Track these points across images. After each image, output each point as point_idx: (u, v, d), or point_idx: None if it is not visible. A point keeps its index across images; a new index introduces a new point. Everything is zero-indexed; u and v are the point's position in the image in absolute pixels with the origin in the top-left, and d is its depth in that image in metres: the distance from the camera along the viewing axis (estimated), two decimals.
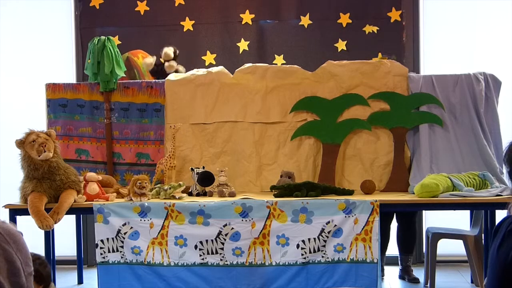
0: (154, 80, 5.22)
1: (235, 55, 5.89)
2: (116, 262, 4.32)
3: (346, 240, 4.22)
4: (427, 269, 4.89)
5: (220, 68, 5.26)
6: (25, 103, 6.00)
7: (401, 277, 5.21)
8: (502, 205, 3.66)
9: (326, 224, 4.22)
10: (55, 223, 4.15)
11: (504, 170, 4.22)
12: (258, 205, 4.27)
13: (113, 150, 5.16)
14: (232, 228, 4.25)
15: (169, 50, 5.33)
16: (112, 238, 4.31)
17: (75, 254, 5.30)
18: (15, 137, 4.34)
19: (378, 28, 5.81)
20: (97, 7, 5.97)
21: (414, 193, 4.44)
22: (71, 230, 5.34)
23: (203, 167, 4.80)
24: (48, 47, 6.11)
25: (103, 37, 5.04)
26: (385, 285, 5.01)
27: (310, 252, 4.24)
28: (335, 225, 4.22)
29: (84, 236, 5.65)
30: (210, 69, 5.23)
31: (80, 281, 5.28)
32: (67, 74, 5.95)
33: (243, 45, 5.91)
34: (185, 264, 4.29)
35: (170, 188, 4.50)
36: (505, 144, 2.15)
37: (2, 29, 6.11)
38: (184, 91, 5.13)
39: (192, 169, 4.78)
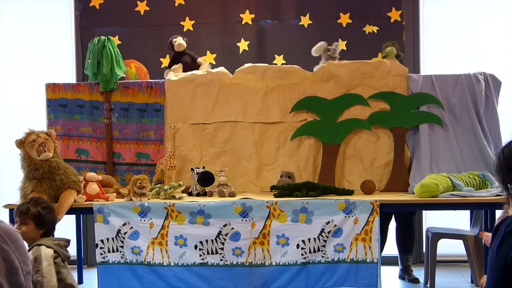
0: (154, 80, 5.22)
1: (235, 55, 5.88)
2: (116, 262, 4.32)
3: (346, 240, 4.22)
4: (427, 269, 4.89)
5: (220, 68, 5.26)
6: (25, 103, 6.00)
7: (401, 277, 5.21)
8: (502, 205, 3.67)
9: (326, 224, 4.22)
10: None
11: (495, 179, 4.23)
12: (258, 205, 4.27)
13: (113, 150, 5.16)
14: (232, 228, 4.25)
15: (180, 40, 5.30)
16: (112, 238, 4.31)
17: (75, 254, 5.29)
18: (15, 137, 4.34)
19: (378, 28, 5.81)
20: (97, 7, 5.97)
21: (414, 193, 4.44)
22: (71, 230, 5.33)
23: (203, 167, 4.80)
24: (48, 47, 6.11)
25: (103, 37, 5.04)
26: (385, 285, 5.01)
27: (310, 252, 4.24)
28: (335, 225, 4.22)
29: (84, 236, 5.65)
30: (210, 69, 5.23)
31: (80, 281, 5.28)
32: (67, 74, 5.96)
33: (243, 45, 5.91)
34: (185, 264, 4.29)
35: (170, 188, 4.50)
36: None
37: (2, 29, 6.11)
38: (184, 91, 5.13)
39: (192, 169, 4.78)
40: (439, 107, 4.99)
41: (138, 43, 5.93)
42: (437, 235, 4.85)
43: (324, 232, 4.22)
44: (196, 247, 4.27)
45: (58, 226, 4.27)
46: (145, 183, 4.38)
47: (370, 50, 5.68)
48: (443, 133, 4.99)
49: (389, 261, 5.35)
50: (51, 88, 5.18)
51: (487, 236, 3.81)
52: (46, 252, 3.13)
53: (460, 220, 5.25)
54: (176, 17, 5.95)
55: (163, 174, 4.90)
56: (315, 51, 5.15)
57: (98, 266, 4.35)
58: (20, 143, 4.30)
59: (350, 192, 4.54)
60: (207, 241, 4.27)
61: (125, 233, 4.30)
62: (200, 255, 4.27)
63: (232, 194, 4.59)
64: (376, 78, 5.04)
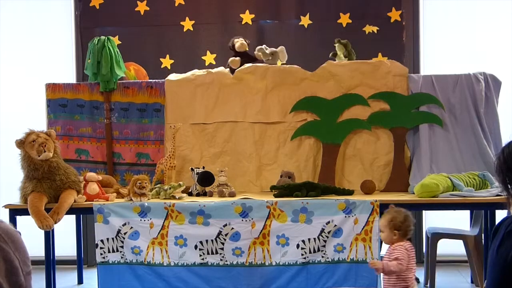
0: (154, 80, 5.22)
1: None
2: (116, 262, 4.32)
3: (346, 240, 4.22)
4: (427, 269, 4.89)
5: (220, 68, 5.26)
6: (25, 103, 6.00)
7: None
8: (502, 205, 3.66)
9: (326, 224, 4.22)
10: (55, 223, 4.16)
11: (495, 179, 4.22)
12: (258, 205, 4.27)
13: (113, 150, 5.16)
14: (232, 228, 4.25)
15: (241, 40, 5.24)
16: (112, 238, 4.31)
17: (75, 254, 5.30)
18: (15, 137, 4.34)
19: (378, 28, 5.81)
20: (97, 7, 5.97)
21: (414, 193, 4.44)
22: (71, 230, 5.34)
23: (203, 167, 4.80)
24: (48, 47, 6.11)
25: (103, 37, 5.04)
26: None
27: (310, 252, 4.24)
28: (335, 225, 4.22)
29: (84, 236, 5.65)
30: (210, 69, 5.23)
31: (80, 281, 5.28)
32: (67, 74, 5.95)
33: None
34: (185, 264, 4.29)
35: (170, 188, 4.50)
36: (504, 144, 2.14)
37: (2, 29, 6.11)
38: (184, 91, 5.13)
39: (192, 169, 4.78)
40: (439, 107, 4.99)
41: (138, 43, 5.93)
42: (437, 235, 4.85)
43: (324, 232, 4.22)
44: (196, 247, 4.27)
45: (58, 226, 4.31)
46: (145, 183, 4.38)
47: (370, 50, 5.69)
48: (443, 133, 4.99)
49: None
50: (51, 88, 5.18)
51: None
52: None
53: (460, 220, 5.25)
54: (176, 17, 5.95)
55: (163, 174, 4.90)
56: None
57: (98, 266, 4.35)
58: (20, 143, 4.31)
59: (350, 192, 4.54)
60: (207, 241, 4.27)
61: (125, 233, 4.30)
62: (200, 255, 4.27)
63: (232, 194, 4.59)
64: (376, 78, 5.04)
